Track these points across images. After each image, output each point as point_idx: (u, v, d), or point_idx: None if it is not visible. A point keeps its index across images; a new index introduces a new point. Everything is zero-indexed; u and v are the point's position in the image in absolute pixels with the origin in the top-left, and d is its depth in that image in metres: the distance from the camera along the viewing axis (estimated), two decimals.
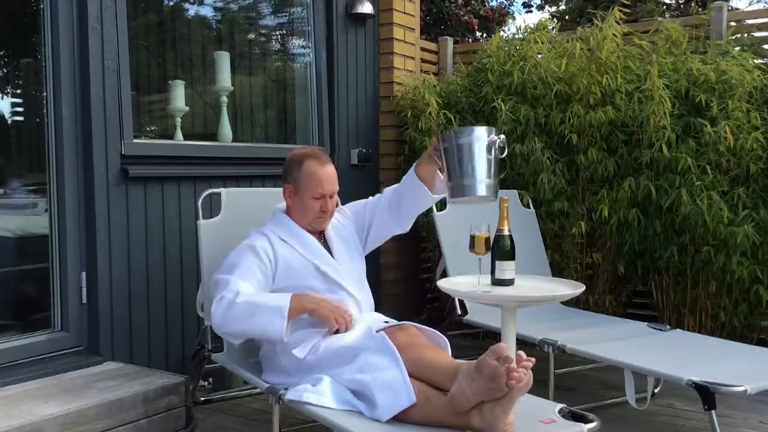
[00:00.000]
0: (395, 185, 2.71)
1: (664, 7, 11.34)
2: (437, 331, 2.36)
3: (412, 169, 2.59)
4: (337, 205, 2.65)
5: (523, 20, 7.63)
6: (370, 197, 2.79)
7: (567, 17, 12.52)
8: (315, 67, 4.20)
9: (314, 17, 4.17)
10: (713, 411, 2.40)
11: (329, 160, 2.60)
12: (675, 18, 4.28)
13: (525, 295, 2.48)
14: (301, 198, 2.54)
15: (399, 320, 2.40)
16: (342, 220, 2.73)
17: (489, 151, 2.34)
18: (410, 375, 2.06)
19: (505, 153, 2.39)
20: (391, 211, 2.68)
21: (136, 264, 3.10)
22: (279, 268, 2.47)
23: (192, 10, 4.06)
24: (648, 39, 3.89)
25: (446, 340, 2.35)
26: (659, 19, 4.02)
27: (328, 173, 2.54)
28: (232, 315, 2.31)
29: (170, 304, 3.22)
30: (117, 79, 3.02)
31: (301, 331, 2.43)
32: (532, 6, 11.17)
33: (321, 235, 2.62)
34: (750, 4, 12.04)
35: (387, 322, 2.44)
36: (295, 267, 2.48)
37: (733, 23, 4.02)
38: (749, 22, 4.09)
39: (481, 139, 2.34)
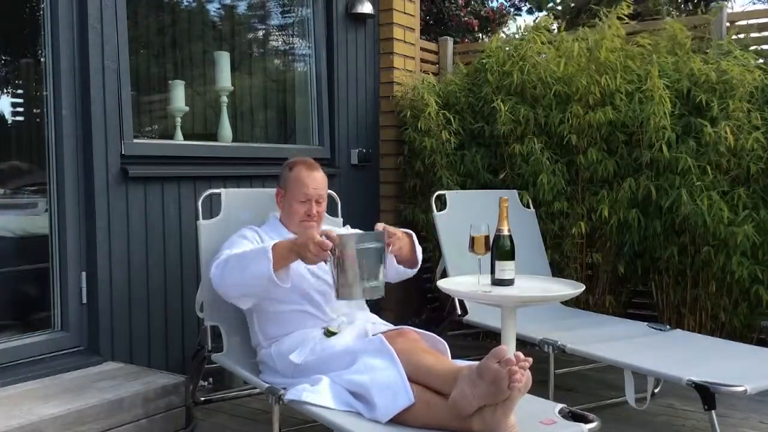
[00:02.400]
0: None
1: (668, 7, 11.30)
2: (436, 336, 2.36)
3: None
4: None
5: (524, 20, 7.61)
6: None
7: (567, 17, 12.50)
8: (315, 67, 4.20)
9: (314, 17, 4.17)
10: (713, 411, 2.40)
11: (319, 167, 2.70)
12: (677, 18, 4.27)
13: (525, 295, 2.48)
14: (289, 203, 2.65)
15: (398, 321, 2.40)
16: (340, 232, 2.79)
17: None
18: (410, 379, 2.06)
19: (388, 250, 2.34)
20: None
21: (136, 264, 3.10)
22: None
23: (192, 10, 4.06)
24: (650, 39, 3.89)
25: (445, 344, 2.35)
26: (661, 19, 4.02)
27: (314, 178, 2.64)
28: (227, 271, 2.36)
29: (170, 304, 3.22)
30: (117, 79, 3.02)
31: (298, 336, 2.44)
32: (522, 9, 11.10)
33: None
34: (752, 3, 11.99)
35: (385, 325, 2.46)
36: None
37: (728, 24, 4.01)
38: (749, 22, 4.10)
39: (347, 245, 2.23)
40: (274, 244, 2.28)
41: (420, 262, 2.67)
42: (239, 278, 2.34)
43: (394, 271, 2.63)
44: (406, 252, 2.54)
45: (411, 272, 2.68)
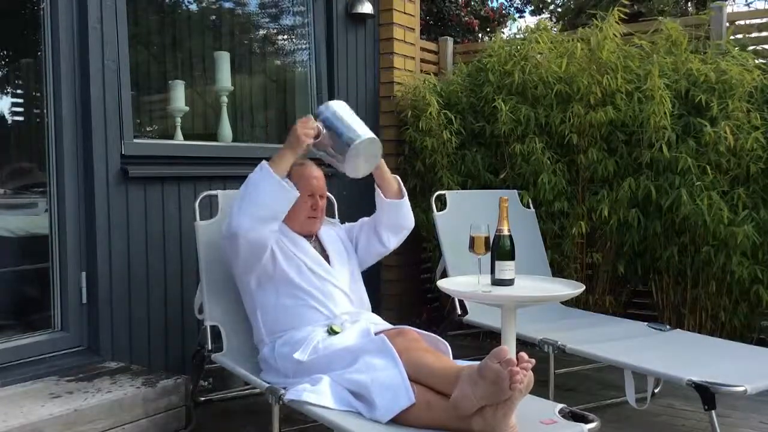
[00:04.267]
0: None
1: (664, 7, 11.31)
2: (437, 336, 2.36)
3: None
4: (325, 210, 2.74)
5: (524, 21, 7.61)
6: (363, 218, 2.90)
7: (567, 17, 12.50)
8: (315, 67, 4.20)
9: (314, 17, 4.17)
10: (713, 411, 2.40)
11: (315, 165, 2.74)
12: (675, 18, 4.26)
13: (525, 295, 2.48)
14: None
15: (398, 321, 2.40)
16: (335, 228, 2.86)
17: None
18: (410, 379, 2.06)
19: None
20: (372, 225, 2.83)
21: (136, 264, 3.10)
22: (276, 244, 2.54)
23: (192, 10, 4.06)
24: (648, 39, 3.89)
25: (446, 344, 2.35)
26: (660, 19, 4.02)
27: (316, 174, 2.69)
28: (244, 202, 2.39)
29: (170, 305, 3.22)
30: (117, 79, 3.02)
31: (301, 333, 2.44)
32: (525, 11, 11.12)
33: (314, 239, 2.71)
34: (750, 3, 12.01)
35: (386, 326, 2.46)
36: (283, 259, 2.54)
37: (728, 24, 4.01)
38: (749, 22, 4.09)
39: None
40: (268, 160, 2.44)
41: (405, 193, 2.78)
42: (255, 200, 2.38)
43: (393, 215, 2.76)
44: (387, 176, 2.74)
45: (406, 214, 2.78)
